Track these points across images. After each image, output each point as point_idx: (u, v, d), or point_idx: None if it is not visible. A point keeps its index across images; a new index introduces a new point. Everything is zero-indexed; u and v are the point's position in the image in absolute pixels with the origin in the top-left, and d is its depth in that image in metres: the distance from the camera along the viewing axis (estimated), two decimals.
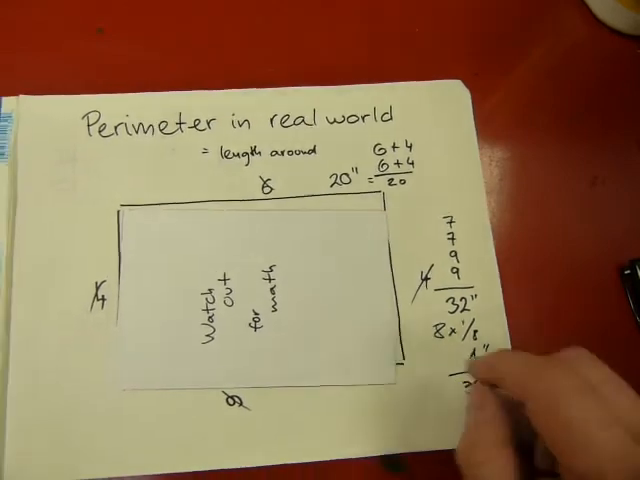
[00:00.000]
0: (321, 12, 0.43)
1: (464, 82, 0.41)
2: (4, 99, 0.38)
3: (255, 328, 0.36)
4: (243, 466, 0.34)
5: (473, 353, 0.36)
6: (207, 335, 0.35)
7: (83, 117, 0.38)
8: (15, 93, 0.38)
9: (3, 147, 0.37)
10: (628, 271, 0.39)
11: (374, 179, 0.39)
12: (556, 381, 0.24)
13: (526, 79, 0.43)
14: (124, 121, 0.38)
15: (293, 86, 0.40)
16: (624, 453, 0.23)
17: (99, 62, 0.40)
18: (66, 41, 0.41)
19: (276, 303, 0.36)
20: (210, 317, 0.36)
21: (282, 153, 0.39)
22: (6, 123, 0.38)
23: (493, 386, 0.27)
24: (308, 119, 0.40)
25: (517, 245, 0.39)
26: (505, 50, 0.44)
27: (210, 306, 0.36)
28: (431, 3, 0.44)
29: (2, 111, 0.38)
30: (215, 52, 0.41)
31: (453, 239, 0.38)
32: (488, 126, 0.41)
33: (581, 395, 0.24)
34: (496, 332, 0.37)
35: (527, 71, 0.44)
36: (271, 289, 0.37)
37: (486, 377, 0.28)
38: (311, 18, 0.43)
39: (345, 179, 0.39)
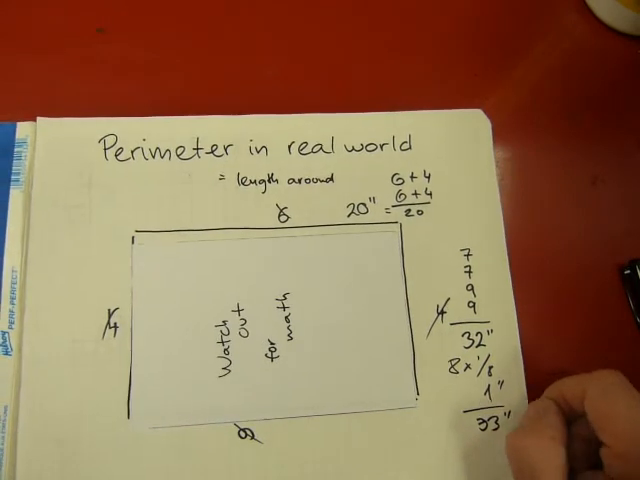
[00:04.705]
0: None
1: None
2: (19, 124, 0.37)
3: (272, 358, 0.36)
4: None
5: (487, 390, 0.36)
6: (224, 368, 0.35)
7: (100, 140, 0.37)
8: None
9: (18, 173, 0.36)
10: (628, 271, 0.39)
11: (391, 209, 0.39)
12: (606, 376, 0.30)
13: (526, 79, 0.43)
14: (141, 145, 0.38)
15: (311, 113, 0.39)
16: None
17: (101, 63, 0.40)
18: (67, 42, 0.40)
19: (291, 332, 0.36)
20: (226, 349, 0.35)
21: (299, 181, 0.38)
22: (21, 149, 0.37)
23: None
24: (326, 147, 0.39)
25: (516, 244, 0.39)
26: (505, 50, 0.44)
27: (225, 338, 0.36)
28: (431, 3, 0.44)
29: (17, 137, 0.37)
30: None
31: (470, 272, 0.38)
32: None
33: (626, 390, 0.29)
34: (511, 369, 0.37)
35: (527, 71, 0.43)
36: (286, 317, 0.36)
37: (551, 393, 0.32)
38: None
39: (362, 209, 0.38)
